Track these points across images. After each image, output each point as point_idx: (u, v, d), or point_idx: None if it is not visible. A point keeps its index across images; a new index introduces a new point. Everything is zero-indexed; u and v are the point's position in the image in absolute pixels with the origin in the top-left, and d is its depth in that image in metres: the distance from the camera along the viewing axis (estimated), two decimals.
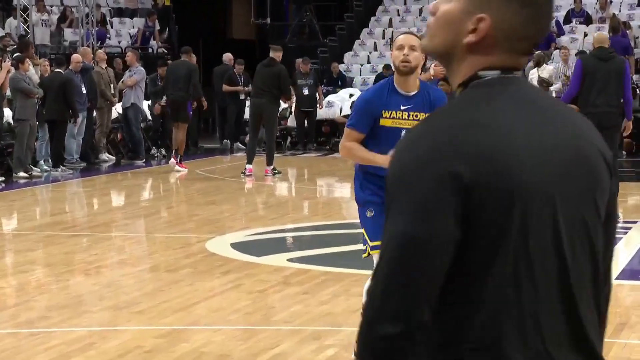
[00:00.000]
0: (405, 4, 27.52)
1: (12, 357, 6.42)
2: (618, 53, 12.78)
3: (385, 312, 1.87)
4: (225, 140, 22.37)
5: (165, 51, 25.74)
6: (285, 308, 7.60)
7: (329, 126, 22.50)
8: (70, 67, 18.02)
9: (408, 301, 1.87)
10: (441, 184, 1.88)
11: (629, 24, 23.41)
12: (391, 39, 24.61)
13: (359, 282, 8.14)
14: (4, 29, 23.51)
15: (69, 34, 25.26)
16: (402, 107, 5.85)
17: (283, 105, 22.54)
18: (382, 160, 5.65)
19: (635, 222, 11.65)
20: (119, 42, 26.18)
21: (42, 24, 24.45)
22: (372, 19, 27.30)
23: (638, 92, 20.72)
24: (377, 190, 5.98)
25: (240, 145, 21.29)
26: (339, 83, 24.31)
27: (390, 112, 5.85)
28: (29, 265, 9.48)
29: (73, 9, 25.47)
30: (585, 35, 24.91)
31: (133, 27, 26.84)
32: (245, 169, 16.58)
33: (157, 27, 25.90)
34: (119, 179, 17.61)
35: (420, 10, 27.10)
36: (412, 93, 5.90)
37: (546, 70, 20.71)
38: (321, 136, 22.59)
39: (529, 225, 1.92)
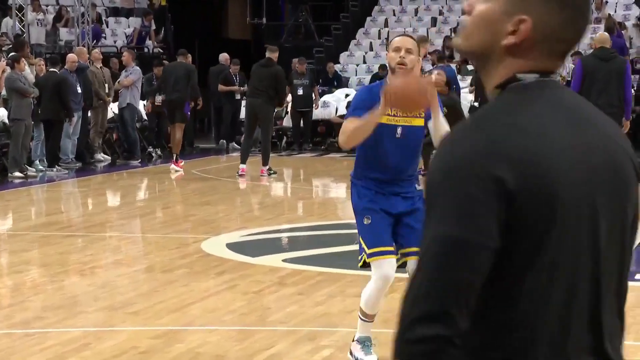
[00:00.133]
0: (401, 4, 27.52)
1: (7, 357, 6.41)
2: None
3: (425, 314, 1.85)
4: (221, 140, 22.36)
5: (161, 51, 25.73)
6: (281, 309, 7.60)
7: (325, 126, 22.49)
8: (65, 67, 18.00)
9: (448, 304, 1.85)
10: (485, 187, 1.86)
11: (624, 24, 23.43)
12: (387, 39, 24.63)
13: (355, 282, 8.14)
14: (0, 28, 23.48)
15: (64, 34, 25.23)
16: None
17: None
18: (378, 114, 5.55)
19: None
20: (115, 42, 26.17)
21: (37, 23, 24.42)
22: (368, 19, 27.30)
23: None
24: (374, 197, 5.98)
25: (236, 145, 21.27)
26: (335, 83, 24.31)
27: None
28: (24, 266, 9.47)
29: (69, 9, 25.44)
30: None
31: (129, 27, 26.83)
32: (239, 169, 16.59)
33: (153, 26, 25.89)
34: (115, 179, 17.60)
35: (416, 11, 27.11)
36: None
37: None
38: (317, 136, 22.59)
39: (568, 231, 1.91)
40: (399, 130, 5.88)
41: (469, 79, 21.54)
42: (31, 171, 16.87)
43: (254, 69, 16.76)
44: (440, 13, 26.89)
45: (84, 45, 22.11)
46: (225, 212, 13.17)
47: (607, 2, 25.49)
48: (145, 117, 20.50)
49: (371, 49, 26.02)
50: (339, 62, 25.64)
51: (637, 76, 22.24)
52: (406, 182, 6.03)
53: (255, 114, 16.33)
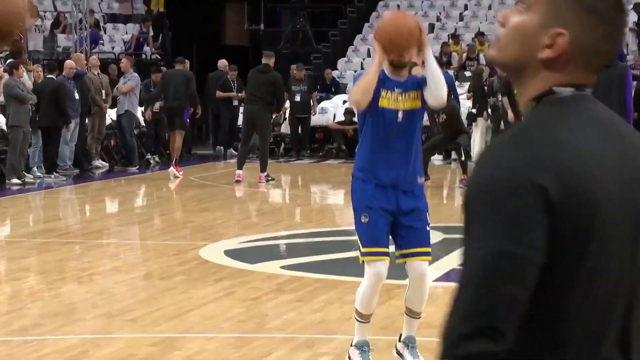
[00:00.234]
0: (398, 9, 27.53)
1: None
2: None
3: (473, 331, 1.83)
4: (218, 147, 22.38)
5: (159, 57, 25.74)
6: (279, 315, 7.59)
7: (323, 133, 22.50)
8: (63, 73, 18.01)
9: (497, 320, 1.83)
10: (529, 199, 1.85)
11: None
12: None
13: (353, 289, 8.12)
14: None
15: (62, 40, 25.25)
16: (396, 90, 6.00)
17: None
18: (376, 63, 5.84)
19: None
20: (112, 48, 26.19)
21: (35, 29, 24.44)
22: (366, 25, 27.33)
23: None
24: (374, 192, 6.00)
25: (233, 151, 21.27)
26: (333, 89, 24.32)
27: (387, 91, 5.99)
28: (22, 273, 9.47)
29: (66, 15, 25.46)
30: None
31: (126, 33, 26.84)
32: (236, 174, 16.59)
33: (151, 33, 25.91)
34: (113, 185, 17.59)
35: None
36: (403, 80, 6.06)
37: None
38: (315, 143, 22.59)
39: (606, 245, 1.90)
40: (400, 114, 5.98)
41: (466, 85, 21.55)
42: (29, 178, 16.86)
43: (251, 75, 16.73)
44: (438, 19, 26.93)
45: (81, 52, 22.12)
46: (223, 219, 13.17)
47: None
48: (143, 123, 20.50)
49: (369, 55, 26.04)
50: (336, 69, 25.66)
51: (635, 82, 22.26)
52: (409, 174, 6.05)
53: (253, 120, 16.32)
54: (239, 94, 21.03)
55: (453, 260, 9.77)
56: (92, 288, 8.71)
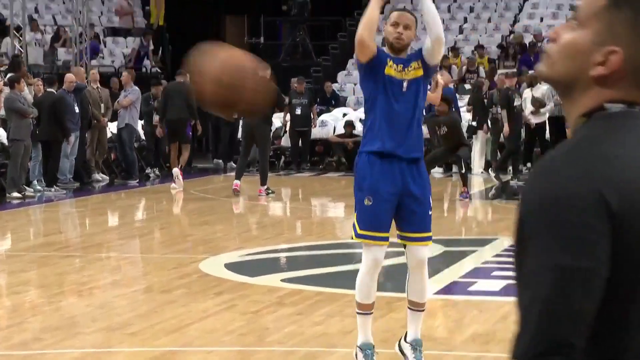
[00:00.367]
0: None
1: None
2: None
3: (546, 348, 1.82)
4: (215, 160, 22.40)
5: (159, 71, 25.78)
6: (280, 329, 7.58)
7: (323, 146, 22.51)
8: (63, 87, 18.03)
9: (567, 335, 1.82)
10: (591, 212, 1.84)
11: None
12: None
13: (353, 302, 8.11)
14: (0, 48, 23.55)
15: (62, 54, 25.28)
16: (400, 64, 6.17)
17: (277, 124, 22.60)
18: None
19: None
20: (112, 62, 26.22)
21: (35, 43, 24.48)
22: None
23: None
24: (381, 168, 6.05)
25: (233, 164, 21.28)
26: (333, 102, 24.34)
27: (392, 62, 6.13)
28: (22, 287, 9.46)
29: (67, 29, 25.51)
30: None
31: (126, 47, 26.88)
32: (233, 183, 16.60)
33: (151, 46, 25.94)
34: (113, 199, 17.59)
35: None
36: (405, 57, 6.24)
37: (539, 90, 20.73)
38: (315, 156, 22.60)
39: None
40: (405, 84, 6.12)
41: (466, 98, 21.57)
42: (29, 191, 16.86)
43: None
44: None
45: (81, 65, 22.14)
46: (223, 232, 13.17)
47: None
48: (143, 137, 20.52)
49: None
50: (336, 82, 25.68)
51: None
52: (413, 141, 6.09)
53: (252, 134, 16.34)
54: None
55: (453, 273, 9.77)
56: (92, 302, 8.69)
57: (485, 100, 19.78)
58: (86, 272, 10.12)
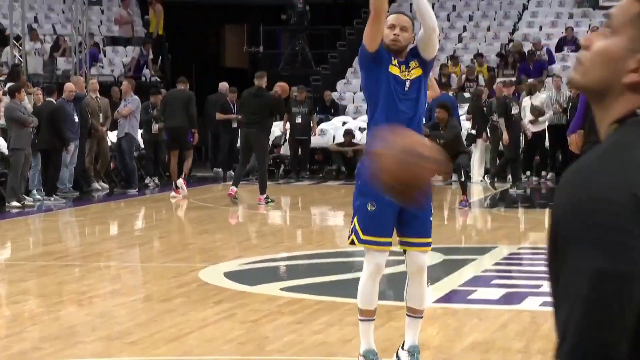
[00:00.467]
0: None
1: None
2: None
3: (584, 355, 1.82)
4: (215, 169, 22.41)
5: (159, 79, 25.81)
6: (279, 338, 7.57)
7: (322, 154, 22.52)
8: (63, 96, 18.05)
9: (611, 342, 1.81)
10: (628, 215, 1.84)
11: None
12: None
13: (353, 311, 8.12)
14: (0, 58, 23.58)
15: (61, 63, 25.31)
16: (401, 65, 6.21)
17: (277, 132, 22.62)
18: None
19: None
20: (112, 71, 26.24)
21: (35, 52, 24.51)
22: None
23: None
24: None
25: (233, 173, 21.29)
26: (332, 111, 24.36)
27: (396, 61, 6.18)
28: (22, 296, 9.45)
29: (66, 38, 25.53)
30: None
31: (126, 56, 26.91)
32: (229, 189, 16.62)
33: (151, 55, 25.97)
34: (112, 208, 17.59)
35: (412, 38, 27.16)
36: (404, 59, 6.27)
37: (538, 99, 20.77)
38: (314, 164, 22.61)
39: None
40: (408, 83, 6.16)
41: (465, 106, 21.58)
42: (28, 201, 16.87)
43: (245, 99, 16.78)
44: None
45: (81, 75, 22.16)
46: (222, 241, 13.17)
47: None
48: (142, 146, 20.53)
49: None
50: (335, 90, 25.70)
51: None
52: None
53: (250, 144, 16.34)
54: (239, 116, 21.06)
55: (453, 281, 9.77)
56: (91, 311, 8.69)
57: (485, 109, 19.79)
58: (86, 281, 10.12)
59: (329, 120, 23.56)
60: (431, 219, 6.22)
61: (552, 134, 20.86)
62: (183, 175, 17.96)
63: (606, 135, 2.01)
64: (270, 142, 22.57)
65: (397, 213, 6.08)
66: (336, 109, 24.48)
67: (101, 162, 19.58)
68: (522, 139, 20.43)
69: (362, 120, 21.86)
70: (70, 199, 17.85)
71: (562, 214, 1.89)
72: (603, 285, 1.82)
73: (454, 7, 28.58)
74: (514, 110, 18.44)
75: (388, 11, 6.30)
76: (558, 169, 21.47)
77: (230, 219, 15.79)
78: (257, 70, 22.46)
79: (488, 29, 27.58)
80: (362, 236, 6.05)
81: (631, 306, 1.84)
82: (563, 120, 20.33)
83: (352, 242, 6.17)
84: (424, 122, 8.22)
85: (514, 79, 22.64)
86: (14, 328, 8.13)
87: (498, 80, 22.05)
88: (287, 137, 22.03)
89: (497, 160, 19.83)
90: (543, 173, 21.26)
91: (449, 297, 9.04)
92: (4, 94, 17.76)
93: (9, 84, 18.10)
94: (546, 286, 9.53)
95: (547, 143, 21.15)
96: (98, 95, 19.66)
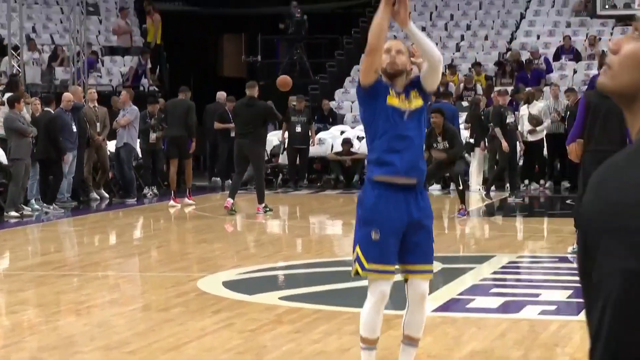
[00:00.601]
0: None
1: None
2: None
3: (616, 355, 1.82)
4: (213, 178, 22.41)
5: (157, 89, 25.82)
6: (277, 347, 7.57)
7: (320, 163, 22.53)
8: (61, 106, 18.06)
9: (638, 342, 1.81)
10: None
11: None
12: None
13: (351, 320, 8.12)
14: None
15: (60, 73, 25.33)
16: (400, 95, 6.13)
17: (275, 142, 22.64)
18: (382, 8, 5.93)
19: None
20: (110, 81, 26.26)
21: (33, 62, 24.52)
22: (362, 56, 27.37)
23: None
24: (387, 201, 5.98)
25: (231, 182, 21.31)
26: (330, 120, 24.37)
27: (393, 92, 6.11)
28: (20, 306, 9.44)
29: (64, 48, 25.55)
30: (575, 72, 25.05)
31: (124, 66, 26.93)
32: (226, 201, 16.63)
33: (149, 65, 25.99)
34: (111, 218, 17.59)
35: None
36: (402, 89, 6.19)
37: (536, 107, 20.79)
38: (312, 173, 22.61)
39: None
40: (407, 113, 6.09)
41: (463, 115, 21.60)
42: (27, 210, 16.87)
43: (238, 109, 16.80)
44: None
45: (79, 84, 22.17)
46: (221, 250, 13.16)
47: (600, 39, 25.63)
48: (140, 155, 20.54)
49: None
50: (334, 99, 25.72)
51: None
52: (420, 164, 6.08)
53: (245, 154, 16.34)
54: None
55: (452, 290, 9.77)
56: (90, 320, 8.68)
57: (483, 118, 19.81)
58: (84, 291, 10.11)
59: (327, 129, 23.57)
60: (433, 245, 6.17)
61: (550, 143, 20.88)
62: (188, 191, 18.14)
63: (636, 139, 2.01)
64: (269, 151, 22.62)
65: (399, 240, 6.03)
66: (334, 118, 24.50)
67: (101, 172, 19.59)
68: (519, 147, 20.45)
69: (360, 130, 21.86)
70: (68, 209, 17.84)
71: (591, 214, 1.89)
72: (634, 286, 1.82)
73: (451, 16, 28.62)
74: (509, 119, 18.47)
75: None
76: (556, 178, 21.50)
77: (229, 229, 15.78)
78: (256, 79, 22.51)
79: (486, 38, 27.62)
80: (366, 265, 5.97)
81: None
82: (561, 129, 20.35)
83: (357, 273, 6.04)
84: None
85: (509, 88, 22.68)
86: (13, 338, 8.12)
87: (496, 89, 22.09)
88: (286, 146, 22.03)
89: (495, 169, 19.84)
90: (541, 182, 21.27)
91: (447, 306, 9.04)
92: (2, 104, 17.78)
93: (7, 94, 18.10)
94: (544, 295, 9.55)
95: (545, 152, 21.16)
96: (96, 104, 19.67)
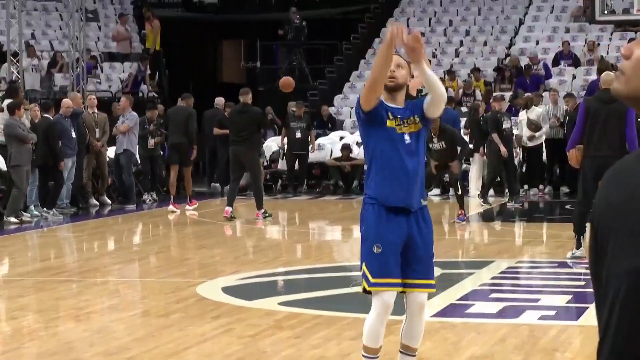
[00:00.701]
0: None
1: None
2: None
3: (626, 355, 1.82)
4: (212, 184, 22.41)
5: (156, 95, 25.83)
6: (277, 352, 7.57)
7: (320, 169, 22.53)
8: (60, 112, 18.07)
9: None
10: None
11: (616, 66, 23.57)
12: None
13: (351, 325, 8.13)
14: None
15: (59, 79, 25.33)
16: (398, 116, 6.09)
17: (275, 148, 22.64)
18: (388, 41, 5.85)
19: None
20: (109, 87, 26.26)
21: (32, 69, 24.53)
22: (362, 61, 27.44)
23: None
24: (387, 220, 6.00)
25: None
26: (329, 126, 24.38)
27: (390, 115, 6.08)
28: (20, 312, 9.44)
29: (63, 54, 25.56)
30: (574, 77, 25.07)
31: (123, 72, 26.94)
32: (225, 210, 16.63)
33: (148, 71, 26.01)
34: (110, 223, 17.59)
35: None
36: (401, 107, 6.16)
37: (534, 113, 20.80)
38: (312, 179, 22.61)
39: None
40: (407, 136, 6.06)
41: (463, 120, 21.61)
42: (26, 216, 16.87)
43: (232, 116, 16.86)
44: (434, 55, 27.04)
45: (78, 91, 22.18)
46: (220, 256, 13.16)
47: (599, 44, 25.65)
48: (139, 161, 20.55)
49: None
50: (333, 105, 25.73)
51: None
52: (418, 194, 6.07)
53: (241, 161, 16.35)
54: None
55: (451, 295, 9.77)
56: (89, 326, 8.68)
57: (482, 123, 19.82)
58: (83, 296, 10.11)
59: (327, 135, 23.58)
60: (432, 260, 6.18)
61: (550, 148, 20.89)
62: (188, 198, 18.17)
63: None
64: (268, 157, 22.64)
65: (400, 252, 6.05)
66: (333, 124, 24.51)
67: (101, 179, 19.59)
68: (519, 152, 20.47)
69: (359, 135, 21.87)
70: (67, 215, 17.85)
71: (601, 213, 1.90)
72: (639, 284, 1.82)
73: (450, 22, 28.63)
74: (505, 125, 18.50)
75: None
76: (555, 183, 21.50)
77: (228, 234, 15.78)
78: (255, 85, 22.55)
79: (485, 44, 27.63)
80: (371, 279, 5.99)
81: None
82: (560, 134, 20.37)
83: (364, 290, 6.08)
84: None
85: (507, 93, 22.67)
86: (12, 344, 8.12)
87: (495, 94, 22.10)
88: (285, 151, 22.04)
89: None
90: (540, 187, 21.27)
91: (447, 311, 9.04)
92: (1, 110, 17.79)
93: (7, 101, 18.11)
94: (544, 300, 9.54)
95: (544, 157, 21.17)
96: (96, 110, 19.68)
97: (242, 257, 13.26)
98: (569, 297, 9.68)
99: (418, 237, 6.06)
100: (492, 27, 28.32)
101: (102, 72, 26.83)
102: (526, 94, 22.05)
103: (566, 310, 9.17)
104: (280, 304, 9.49)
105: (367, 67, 27.12)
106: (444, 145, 15.37)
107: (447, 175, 16.74)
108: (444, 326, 8.39)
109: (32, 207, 17.26)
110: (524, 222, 17.31)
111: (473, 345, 7.67)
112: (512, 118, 19.89)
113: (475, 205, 18.93)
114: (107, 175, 19.73)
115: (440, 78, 24.93)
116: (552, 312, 8.99)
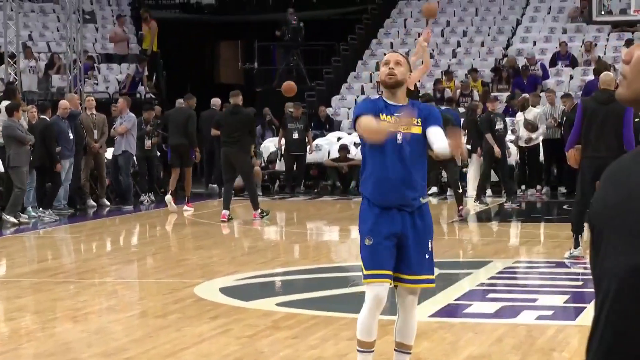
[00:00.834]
0: (392, 47, 27.67)
1: None
2: None
3: (617, 351, 1.83)
4: (210, 185, 22.40)
5: (153, 96, 25.83)
6: (275, 353, 7.57)
7: (317, 170, 22.53)
8: (57, 113, 18.07)
9: (637, 338, 1.83)
10: None
11: (614, 66, 23.59)
12: (378, 82, 24.71)
13: (348, 325, 8.12)
14: None
15: (56, 80, 25.33)
16: (394, 114, 6.04)
17: (272, 148, 22.64)
18: (389, 127, 5.82)
19: None
20: (107, 88, 26.26)
21: (29, 70, 24.52)
22: (359, 62, 27.45)
23: None
24: (380, 216, 6.01)
25: None
26: (327, 126, 24.39)
27: (386, 116, 6.03)
28: (17, 313, 9.44)
29: (61, 56, 25.56)
30: (571, 77, 25.08)
31: (120, 73, 26.94)
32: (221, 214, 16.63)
33: (146, 72, 26.00)
34: (107, 224, 17.58)
35: (407, 54, 27.22)
36: (402, 104, 6.10)
37: (531, 113, 20.81)
38: (309, 179, 22.62)
39: None
40: (399, 136, 5.99)
41: (460, 121, 21.60)
42: (23, 217, 16.87)
43: (223, 118, 16.84)
44: (431, 56, 27.04)
45: (75, 92, 22.17)
46: (218, 257, 13.15)
47: (596, 45, 25.67)
48: (136, 162, 20.56)
49: (363, 92, 26.14)
50: (330, 106, 25.73)
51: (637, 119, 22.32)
52: (413, 197, 6.05)
53: (232, 163, 16.34)
54: None
55: (448, 295, 9.77)
56: (87, 327, 8.68)
57: (479, 124, 19.83)
58: (81, 297, 10.10)
59: (324, 135, 23.59)
60: (427, 257, 6.14)
61: (547, 148, 20.90)
62: (186, 199, 18.18)
63: None
64: (266, 158, 22.65)
65: (395, 246, 6.04)
66: (331, 125, 24.52)
67: (99, 182, 19.58)
68: (516, 152, 20.47)
69: (357, 136, 21.89)
70: (65, 216, 17.84)
71: (597, 209, 1.92)
72: (636, 281, 1.83)
73: (447, 23, 28.65)
74: (498, 126, 18.53)
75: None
76: (553, 183, 21.50)
77: (226, 235, 15.78)
78: (252, 86, 22.56)
79: (482, 44, 27.64)
80: (364, 272, 6.03)
81: None
82: (557, 135, 20.38)
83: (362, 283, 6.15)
84: None
85: (503, 94, 22.68)
86: (9, 345, 8.11)
87: (492, 95, 22.12)
88: (283, 152, 22.04)
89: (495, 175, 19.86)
90: (538, 187, 21.28)
91: (444, 311, 9.04)
92: None
93: (4, 102, 18.11)
94: (541, 300, 9.54)
95: (542, 157, 21.18)
96: (94, 112, 19.68)
97: (239, 258, 13.26)
98: (567, 297, 9.69)
99: (412, 232, 6.05)
100: (490, 28, 28.33)
101: (99, 73, 26.83)
102: (523, 95, 22.06)
103: (564, 310, 9.17)
104: (277, 304, 9.50)
105: (365, 68, 27.15)
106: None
107: (446, 175, 16.75)
108: (442, 326, 8.39)
109: (29, 208, 17.26)
110: (522, 222, 17.32)
111: (470, 345, 7.68)
112: (507, 119, 19.91)
113: (472, 205, 18.94)
114: (105, 177, 19.72)
115: (437, 79, 25.08)
116: (550, 312, 9.00)
